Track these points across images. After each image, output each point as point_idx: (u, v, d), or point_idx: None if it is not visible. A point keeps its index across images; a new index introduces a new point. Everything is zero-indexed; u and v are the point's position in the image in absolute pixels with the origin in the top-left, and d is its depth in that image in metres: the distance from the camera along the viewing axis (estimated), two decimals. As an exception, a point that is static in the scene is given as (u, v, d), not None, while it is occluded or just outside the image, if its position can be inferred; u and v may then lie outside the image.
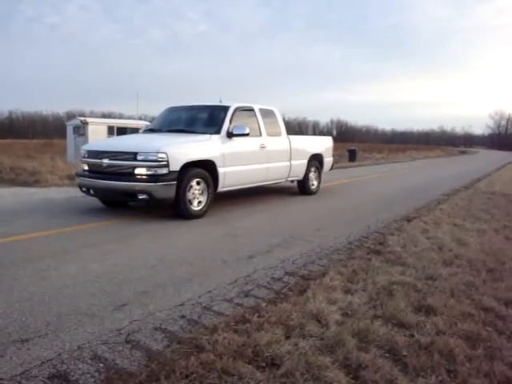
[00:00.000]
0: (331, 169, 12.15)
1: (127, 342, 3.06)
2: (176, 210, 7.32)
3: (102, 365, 2.75)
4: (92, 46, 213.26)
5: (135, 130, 18.37)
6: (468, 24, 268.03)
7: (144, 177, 6.94)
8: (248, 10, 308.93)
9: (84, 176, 7.73)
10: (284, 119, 10.68)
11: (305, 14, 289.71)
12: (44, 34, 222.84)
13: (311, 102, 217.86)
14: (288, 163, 9.88)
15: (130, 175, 7.02)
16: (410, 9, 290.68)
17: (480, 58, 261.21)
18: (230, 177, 8.10)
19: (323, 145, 11.65)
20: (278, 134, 9.77)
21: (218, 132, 8.07)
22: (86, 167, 7.76)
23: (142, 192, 6.92)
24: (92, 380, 2.59)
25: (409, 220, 7.83)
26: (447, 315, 3.63)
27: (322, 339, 3.13)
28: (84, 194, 8.01)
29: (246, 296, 4.00)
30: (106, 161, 7.30)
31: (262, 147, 8.99)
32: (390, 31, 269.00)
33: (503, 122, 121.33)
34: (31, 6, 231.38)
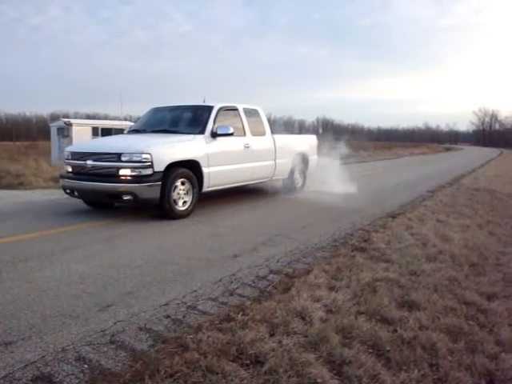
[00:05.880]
0: (316, 167, 12.17)
1: (112, 342, 3.06)
2: (161, 210, 7.30)
3: (86, 366, 2.75)
4: (76, 48, 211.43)
5: (120, 131, 18.23)
6: (450, 22, 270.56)
7: (128, 178, 6.91)
8: (233, 9, 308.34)
9: (68, 178, 7.67)
10: (269, 118, 10.68)
11: (289, 13, 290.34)
12: (27, 35, 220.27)
13: (297, 101, 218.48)
14: (273, 162, 9.88)
15: (114, 176, 6.99)
16: (393, 8, 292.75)
17: (463, 56, 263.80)
18: (215, 176, 8.10)
19: (308, 143, 11.65)
20: (263, 134, 9.77)
21: (202, 132, 8.06)
22: (70, 169, 7.69)
23: (127, 193, 6.89)
24: (76, 381, 2.59)
25: (393, 217, 7.89)
26: (430, 310, 3.68)
27: (306, 336, 3.16)
28: (68, 196, 7.97)
29: (231, 295, 4.01)
30: (90, 162, 7.26)
31: (247, 147, 8.99)
32: (375, 30, 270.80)
33: (487, 119, 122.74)
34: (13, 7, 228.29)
